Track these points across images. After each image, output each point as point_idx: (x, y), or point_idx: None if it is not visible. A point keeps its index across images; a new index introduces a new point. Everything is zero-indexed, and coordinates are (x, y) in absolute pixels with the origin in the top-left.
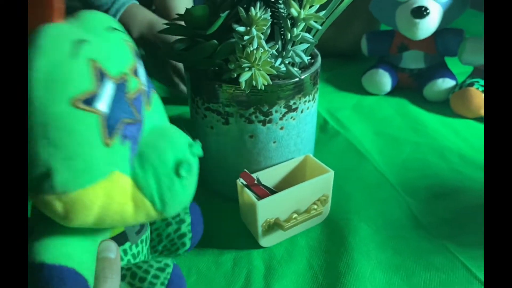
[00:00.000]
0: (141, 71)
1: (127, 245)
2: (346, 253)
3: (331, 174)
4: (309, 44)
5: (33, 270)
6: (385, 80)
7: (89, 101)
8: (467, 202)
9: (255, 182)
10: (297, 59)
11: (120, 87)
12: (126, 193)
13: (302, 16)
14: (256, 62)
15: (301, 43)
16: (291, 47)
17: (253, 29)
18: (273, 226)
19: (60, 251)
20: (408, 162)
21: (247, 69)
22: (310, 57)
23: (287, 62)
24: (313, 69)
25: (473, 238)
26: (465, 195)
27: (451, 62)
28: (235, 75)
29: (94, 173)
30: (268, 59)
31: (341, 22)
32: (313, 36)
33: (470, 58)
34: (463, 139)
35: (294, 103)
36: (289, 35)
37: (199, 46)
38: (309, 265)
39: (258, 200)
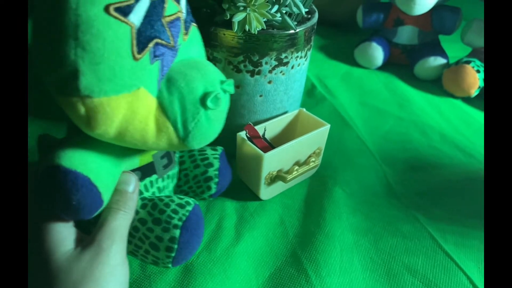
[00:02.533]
0: (184, 0)
1: (154, 177)
2: (319, 214)
3: (327, 127)
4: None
5: (48, 171)
6: (377, 54)
7: (124, 10)
8: (441, 177)
9: (262, 134)
10: (295, 9)
11: (157, 6)
12: (150, 112)
13: None
14: (252, 3)
15: None
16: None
17: None
18: (275, 178)
19: (79, 160)
20: (390, 134)
21: (241, 8)
22: (307, 12)
23: (284, 11)
24: (309, 24)
25: (443, 212)
26: (440, 171)
27: (444, 45)
28: (228, 16)
29: (119, 83)
30: (265, 3)
31: None
32: None
33: (473, 38)
34: (446, 119)
35: (286, 57)
36: None
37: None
38: (281, 221)
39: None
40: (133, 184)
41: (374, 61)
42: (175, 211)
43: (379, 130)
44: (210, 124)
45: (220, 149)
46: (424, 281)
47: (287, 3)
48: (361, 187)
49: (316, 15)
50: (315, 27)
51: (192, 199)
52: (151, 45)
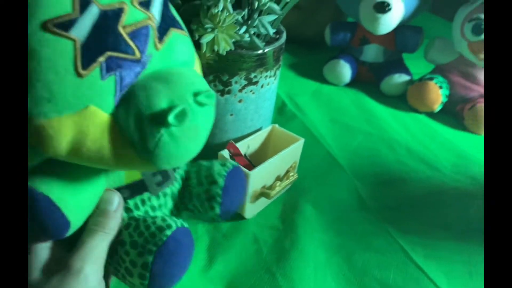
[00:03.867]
0: (157, 5)
1: (145, 195)
2: (292, 231)
3: (301, 141)
4: (276, 16)
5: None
6: (345, 71)
7: (65, 25)
8: (409, 191)
9: (244, 153)
10: (263, 30)
11: (109, 17)
12: (103, 132)
13: None
14: (220, 24)
15: (268, 14)
16: (258, 16)
17: None
18: (258, 196)
19: (42, 178)
20: (359, 149)
21: (209, 30)
22: (275, 32)
23: (252, 32)
24: (277, 44)
25: (414, 225)
26: (408, 185)
27: (408, 62)
28: (197, 37)
29: (60, 103)
30: (233, 24)
31: (308, 10)
32: (282, 8)
33: (435, 55)
34: (411, 134)
35: (255, 76)
36: (256, 4)
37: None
38: (254, 239)
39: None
40: (115, 203)
41: (342, 78)
42: (152, 235)
43: (349, 145)
44: (178, 143)
45: (231, 164)
46: None
47: (255, 24)
48: (333, 203)
49: (284, 35)
50: (283, 46)
51: (180, 221)
52: (101, 59)
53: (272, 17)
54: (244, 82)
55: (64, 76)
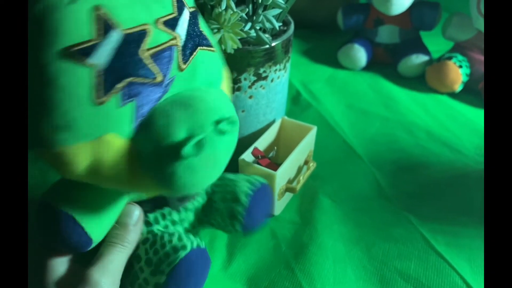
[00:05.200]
0: (183, 23)
1: (166, 209)
2: (310, 225)
3: (314, 129)
4: (281, 10)
5: (38, 206)
6: (360, 56)
7: (85, 51)
8: (430, 176)
9: (270, 155)
10: (268, 25)
11: (132, 41)
12: (120, 158)
13: None
14: (225, 23)
15: (272, 8)
16: (262, 11)
17: None
18: (284, 192)
19: (66, 198)
20: (376, 136)
21: (215, 30)
22: (282, 24)
23: (257, 27)
24: (285, 36)
25: (434, 211)
26: (429, 169)
27: (427, 40)
28: None
29: (77, 132)
30: (238, 22)
31: None
32: (286, 1)
33: (454, 32)
34: (432, 116)
35: (264, 71)
36: None
37: None
38: (272, 234)
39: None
40: (135, 217)
41: (357, 62)
42: (167, 255)
43: (365, 132)
44: (195, 172)
45: (259, 182)
46: (418, 286)
47: (259, 20)
48: (351, 193)
49: (292, 26)
50: (292, 38)
51: (196, 241)
52: (121, 85)
53: (276, 11)
54: (253, 78)
55: (81, 105)
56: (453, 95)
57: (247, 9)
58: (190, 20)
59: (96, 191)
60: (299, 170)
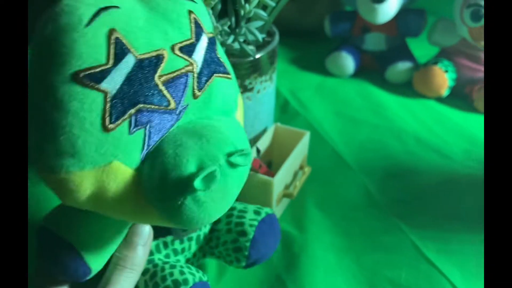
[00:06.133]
0: (201, 49)
1: (169, 238)
2: (300, 235)
3: (308, 134)
4: (264, 22)
5: (38, 231)
6: (348, 63)
7: (96, 76)
8: (420, 182)
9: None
10: (251, 37)
11: (146, 66)
12: (125, 187)
13: None
14: None
15: (255, 20)
16: (245, 24)
17: None
18: (281, 198)
19: (66, 224)
20: (365, 143)
21: None
22: (267, 35)
23: (241, 40)
24: (270, 47)
25: (425, 218)
26: (418, 176)
27: (413, 44)
28: None
29: (83, 159)
30: (219, 36)
31: (305, 1)
32: (269, 14)
33: (439, 38)
34: (420, 122)
35: (250, 83)
36: (242, 11)
37: None
38: None
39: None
40: (145, 235)
41: (345, 70)
42: None
43: (354, 140)
44: (202, 206)
45: (265, 212)
46: None
47: (242, 32)
48: (340, 202)
49: (277, 37)
50: (277, 48)
51: (199, 274)
52: (132, 111)
53: (259, 23)
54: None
55: (90, 131)
56: (440, 99)
57: (229, 22)
58: (208, 46)
59: (99, 220)
60: (295, 175)
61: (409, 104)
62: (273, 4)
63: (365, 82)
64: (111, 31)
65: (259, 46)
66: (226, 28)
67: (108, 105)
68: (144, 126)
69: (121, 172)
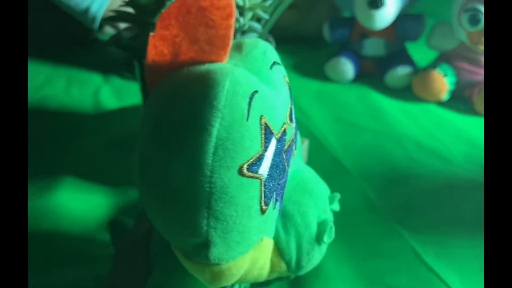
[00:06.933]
0: (293, 110)
1: None
2: None
3: (307, 141)
4: (258, 34)
5: None
6: (347, 69)
7: (254, 165)
8: (420, 187)
9: None
10: None
11: (281, 142)
12: (268, 257)
13: (247, 5)
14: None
15: (250, 32)
16: (240, 36)
17: None
18: None
19: None
20: (365, 149)
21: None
22: None
23: None
24: None
25: (425, 223)
26: (419, 181)
27: (412, 48)
28: None
29: (247, 244)
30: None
31: (303, 8)
32: (263, 26)
33: (438, 42)
34: (420, 126)
35: None
36: (237, 25)
37: (148, 34)
38: None
39: None
40: None
41: (345, 75)
42: None
43: (354, 145)
44: (322, 253)
45: None
46: None
47: None
48: (340, 209)
49: (273, 46)
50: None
51: None
52: (275, 188)
53: (254, 35)
54: None
55: (254, 217)
56: (440, 103)
57: None
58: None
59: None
60: None
61: (409, 108)
62: (267, 17)
63: (365, 88)
64: (261, 118)
65: None
66: None
67: (263, 189)
68: (280, 199)
69: (268, 245)
